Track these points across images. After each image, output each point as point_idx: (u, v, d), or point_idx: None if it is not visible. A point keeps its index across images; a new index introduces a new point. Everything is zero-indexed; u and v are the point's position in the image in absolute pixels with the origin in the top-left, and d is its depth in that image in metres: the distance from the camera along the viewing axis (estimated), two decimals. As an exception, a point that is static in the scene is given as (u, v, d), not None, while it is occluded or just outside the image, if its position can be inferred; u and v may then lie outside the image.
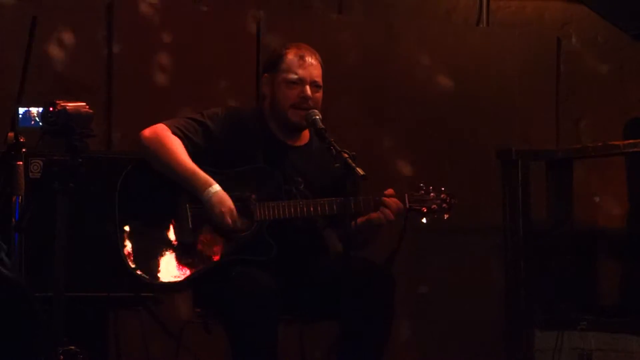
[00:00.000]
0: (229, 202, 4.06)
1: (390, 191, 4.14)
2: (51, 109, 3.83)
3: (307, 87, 4.19)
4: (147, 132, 4.14)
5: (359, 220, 4.16)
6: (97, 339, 4.90)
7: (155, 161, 4.10)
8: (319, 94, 4.23)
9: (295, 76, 4.19)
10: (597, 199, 6.37)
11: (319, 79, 4.22)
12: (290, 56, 4.22)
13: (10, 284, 3.59)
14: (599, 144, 5.79)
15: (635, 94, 6.45)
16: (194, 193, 4.06)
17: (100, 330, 4.97)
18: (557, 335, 5.77)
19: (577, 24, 6.46)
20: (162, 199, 4.12)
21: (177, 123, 4.17)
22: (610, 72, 6.46)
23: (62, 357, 3.78)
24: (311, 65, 4.22)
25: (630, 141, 5.67)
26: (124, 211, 4.09)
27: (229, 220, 4.05)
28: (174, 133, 4.13)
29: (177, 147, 4.10)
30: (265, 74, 4.29)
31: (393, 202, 4.10)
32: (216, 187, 4.06)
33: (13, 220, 4.22)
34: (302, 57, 4.22)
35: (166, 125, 4.15)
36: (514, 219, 6.03)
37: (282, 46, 4.29)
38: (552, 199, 6.03)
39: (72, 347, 3.82)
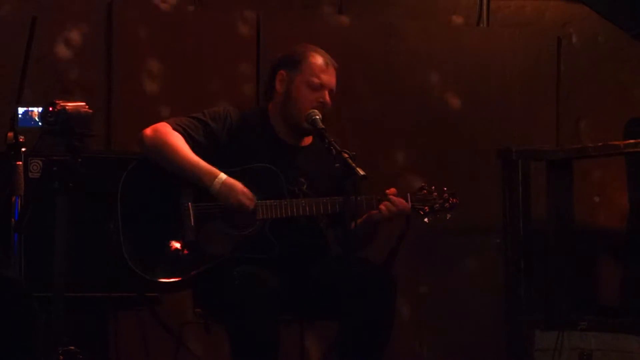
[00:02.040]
0: (238, 186, 4.05)
1: (392, 190, 4.14)
2: (51, 109, 3.83)
3: (327, 93, 4.19)
4: (149, 130, 4.14)
5: (358, 220, 4.17)
6: (97, 339, 4.90)
7: (157, 157, 4.10)
8: (330, 102, 4.24)
9: (319, 81, 4.19)
10: (597, 199, 6.36)
11: (334, 87, 4.23)
12: (314, 60, 4.21)
13: (9, 284, 3.59)
14: (599, 144, 5.79)
15: (635, 94, 6.44)
16: (201, 186, 4.06)
17: (100, 331, 4.97)
18: (558, 335, 5.77)
19: (577, 24, 6.46)
20: (164, 197, 4.11)
21: (179, 121, 4.17)
22: (611, 72, 6.46)
23: (61, 357, 3.78)
24: (333, 73, 4.23)
25: (631, 141, 5.67)
26: (126, 210, 4.08)
27: (248, 204, 4.04)
28: (175, 130, 4.12)
29: (179, 142, 4.09)
30: (282, 71, 4.25)
31: (397, 199, 4.10)
32: (222, 177, 4.05)
33: (13, 220, 4.21)
34: (327, 63, 4.22)
35: (167, 123, 4.15)
36: (514, 219, 6.03)
37: (302, 47, 4.27)
38: (552, 199, 6.02)
39: (72, 347, 3.82)
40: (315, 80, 4.18)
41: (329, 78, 4.21)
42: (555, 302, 5.96)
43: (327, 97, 4.19)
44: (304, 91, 4.19)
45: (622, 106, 6.38)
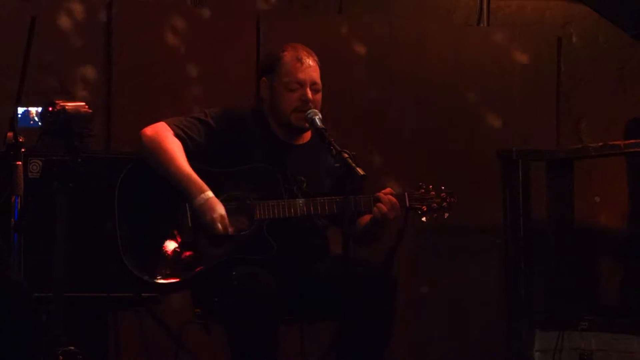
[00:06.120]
0: (220, 208, 4.03)
1: (388, 190, 4.13)
2: (50, 108, 3.82)
3: (308, 90, 4.16)
4: (149, 130, 4.12)
5: (366, 217, 4.17)
6: (97, 339, 4.90)
7: (152, 161, 4.09)
8: (319, 96, 4.21)
9: (295, 80, 4.16)
10: (597, 199, 6.36)
11: (318, 80, 4.20)
12: (288, 59, 4.19)
13: (11, 285, 3.59)
14: (600, 144, 5.79)
15: (635, 94, 6.44)
16: (187, 197, 4.05)
17: (100, 331, 4.96)
18: (558, 336, 5.77)
19: (577, 24, 6.46)
20: (162, 198, 4.11)
21: (179, 122, 4.15)
22: (611, 72, 6.46)
23: (61, 357, 3.78)
24: (310, 67, 4.19)
25: (631, 141, 5.68)
26: (124, 210, 4.08)
27: (220, 227, 4.01)
28: (175, 133, 4.11)
29: (176, 150, 4.08)
30: (264, 78, 4.25)
31: (387, 198, 4.09)
32: (209, 194, 4.03)
33: (12, 220, 4.21)
34: (300, 60, 4.18)
35: (167, 125, 4.13)
36: (514, 219, 6.04)
37: (278, 48, 4.25)
38: (552, 199, 6.03)
39: (72, 348, 3.82)
40: (292, 80, 4.16)
41: (306, 74, 4.17)
42: (555, 302, 5.96)
43: (309, 94, 4.16)
44: (284, 94, 4.17)
45: (622, 106, 6.38)
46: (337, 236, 4.15)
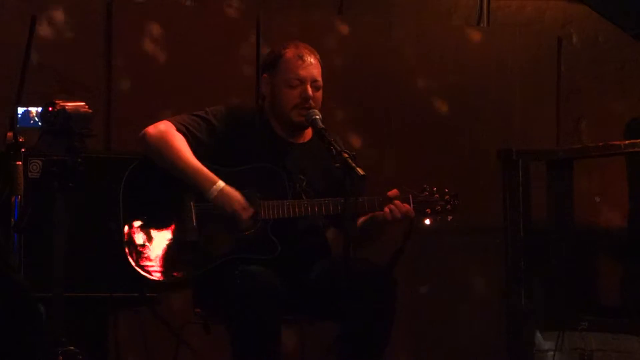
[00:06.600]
0: (236, 196, 4.05)
1: (394, 192, 4.12)
2: (50, 108, 3.82)
3: (308, 87, 4.17)
4: (151, 129, 4.12)
5: (362, 218, 4.16)
6: (97, 339, 4.90)
7: (159, 159, 4.09)
8: (319, 93, 4.21)
9: (296, 77, 4.17)
10: (597, 199, 6.36)
11: (319, 78, 4.21)
12: (289, 56, 4.20)
13: (11, 285, 3.59)
14: (600, 144, 5.79)
15: (635, 94, 6.44)
16: (199, 191, 4.05)
17: (100, 331, 4.97)
18: (558, 336, 5.77)
19: (577, 24, 6.46)
20: (166, 196, 4.11)
21: (181, 120, 4.16)
22: (611, 72, 6.46)
23: (61, 357, 3.78)
24: (311, 65, 4.20)
25: (631, 141, 5.68)
26: (128, 209, 4.08)
27: (244, 216, 4.05)
28: (178, 130, 4.11)
29: (181, 145, 4.08)
30: (265, 74, 4.26)
31: (401, 204, 4.09)
32: (220, 184, 4.05)
33: (12, 220, 4.21)
34: (301, 57, 4.19)
35: (170, 122, 4.14)
36: (514, 219, 6.04)
37: (280, 45, 4.27)
38: (552, 199, 6.03)
39: (72, 348, 3.82)
40: (293, 77, 4.17)
41: (307, 71, 4.18)
42: (555, 302, 5.96)
43: (309, 91, 4.16)
44: (285, 90, 4.18)
45: (622, 106, 6.38)
46: (337, 236, 4.16)
